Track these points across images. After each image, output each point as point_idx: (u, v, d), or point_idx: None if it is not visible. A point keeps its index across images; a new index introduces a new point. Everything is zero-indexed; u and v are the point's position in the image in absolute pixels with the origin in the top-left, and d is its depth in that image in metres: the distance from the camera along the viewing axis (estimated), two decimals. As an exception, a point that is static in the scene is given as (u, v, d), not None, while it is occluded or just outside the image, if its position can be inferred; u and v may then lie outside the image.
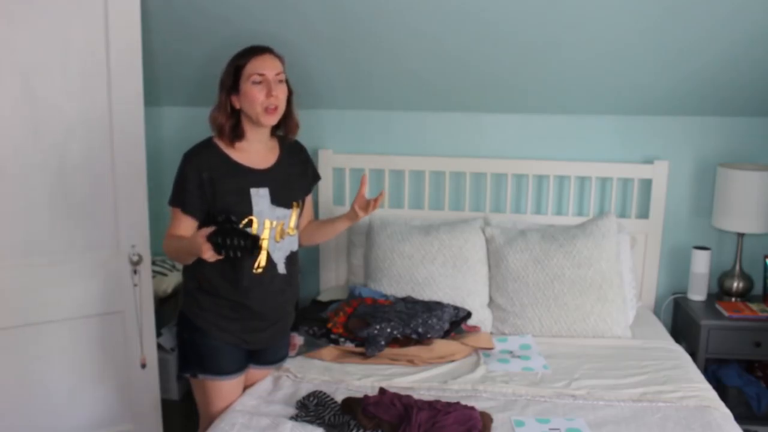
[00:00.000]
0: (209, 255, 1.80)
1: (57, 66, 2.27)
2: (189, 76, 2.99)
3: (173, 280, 3.04)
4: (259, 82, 1.95)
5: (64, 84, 2.28)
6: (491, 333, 2.68)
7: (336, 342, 2.45)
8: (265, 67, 1.96)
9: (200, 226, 1.99)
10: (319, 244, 2.33)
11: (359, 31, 2.62)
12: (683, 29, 2.47)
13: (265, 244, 2.00)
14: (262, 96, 1.95)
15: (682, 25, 2.45)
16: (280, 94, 1.98)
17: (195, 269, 2.03)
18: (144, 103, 2.44)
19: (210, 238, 1.80)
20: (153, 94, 2.97)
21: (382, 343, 2.37)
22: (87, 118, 2.34)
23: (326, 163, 3.12)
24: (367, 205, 2.17)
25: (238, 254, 1.80)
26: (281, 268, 2.05)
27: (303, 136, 2.21)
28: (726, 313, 2.78)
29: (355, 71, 2.87)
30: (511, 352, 2.49)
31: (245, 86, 1.96)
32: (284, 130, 2.12)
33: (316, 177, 2.26)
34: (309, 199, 2.24)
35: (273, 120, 2.00)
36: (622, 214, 3.06)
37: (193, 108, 3.17)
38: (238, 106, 2.00)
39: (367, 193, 2.24)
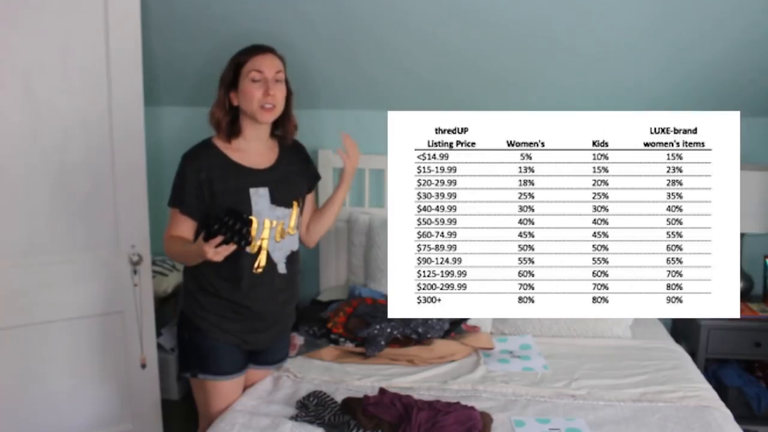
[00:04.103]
0: (212, 253, 1.76)
1: (57, 66, 2.27)
2: (189, 76, 2.99)
3: (173, 280, 3.04)
4: (258, 80, 1.95)
5: (64, 84, 2.28)
6: (491, 333, 2.67)
7: (336, 342, 2.45)
8: (264, 65, 1.96)
9: (199, 228, 1.99)
10: (329, 230, 2.32)
11: (359, 31, 2.62)
12: (683, 29, 2.47)
13: (265, 243, 2.00)
14: (260, 94, 1.95)
15: (682, 25, 2.45)
16: (278, 93, 1.98)
17: (195, 270, 2.02)
18: (144, 103, 2.44)
19: (206, 234, 1.78)
20: (153, 94, 2.97)
21: (382, 343, 2.37)
22: (87, 118, 2.34)
23: (326, 163, 3.12)
24: (349, 155, 2.18)
25: (234, 235, 1.76)
26: (281, 268, 2.05)
27: (303, 136, 2.21)
28: (726, 313, 2.78)
29: (355, 71, 2.87)
30: (511, 352, 2.48)
31: (244, 83, 1.96)
32: (282, 131, 2.12)
33: (317, 176, 2.26)
34: (312, 197, 2.23)
35: (269, 117, 2.00)
36: (622, 213, 3.06)
37: (193, 108, 3.17)
38: (236, 103, 2.00)
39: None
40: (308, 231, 2.23)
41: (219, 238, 1.76)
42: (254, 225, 1.96)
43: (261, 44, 2.01)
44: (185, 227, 1.99)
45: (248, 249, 1.91)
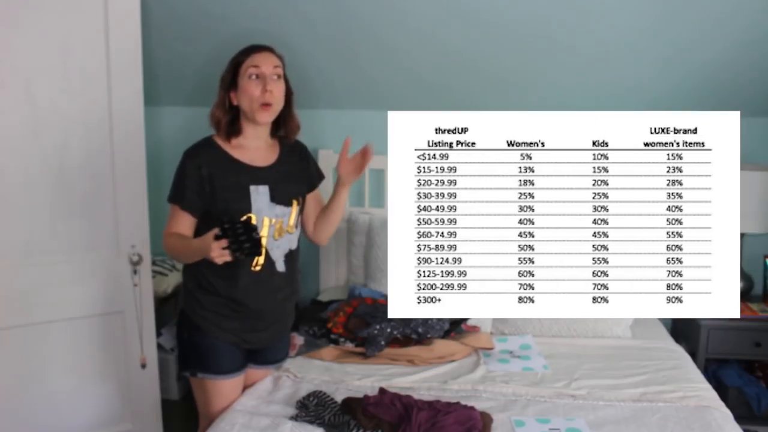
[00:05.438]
0: (217, 252, 1.74)
1: (57, 66, 2.27)
2: (189, 76, 2.99)
3: (173, 280, 3.04)
4: (256, 78, 1.95)
5: (64, 84, 2.28)
6: (491, 333, 2.67)
7: (336, 342, 2.45)
8: (262, 61, 1.96)
9: (199, 225, 1.99)
10: (336, 226, 2.24)
11: (359, 31, 2.62)
12: (683, 29, 2.47)
13: (263, 241, 2.00)
14: (258, 91, 1.95)
15: (682, 25, 2.45)
16: (276, 90, 1.98)
17: (194, 268, 2.02)
18: (144, 103, 2.44)
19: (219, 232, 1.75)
20: (153, 94, 2.97)
21: (382, 343, 2.37)
22: (87, 118, 2.34)
23: (326, 163, 3.11)
24: (357, 166, 2.07)
25: (242, 255, 1.76)
26: (280, 266, 2.05)
27: (302, 136, 2.21)
28: (726, 313, 2.78)
29: (355, 71, 2.87)
30: (511, 352, 2.48)
31: (242, 81, 1.97)
32: (285, 131, 2.12)
33: (320, 176, 2.26)
34: (315, 195, 2.22)
35: (267, 117, 2.00)
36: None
37: (193, 108, 3.17)
38: (236, 103, 2.00)
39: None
40: (315, 230, 2.21)
41: (225, 242, 1.73)
42: (253, 222, 1.96)
43: (259, 44, 2.02)
44: (185, 223, 1.99)
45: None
